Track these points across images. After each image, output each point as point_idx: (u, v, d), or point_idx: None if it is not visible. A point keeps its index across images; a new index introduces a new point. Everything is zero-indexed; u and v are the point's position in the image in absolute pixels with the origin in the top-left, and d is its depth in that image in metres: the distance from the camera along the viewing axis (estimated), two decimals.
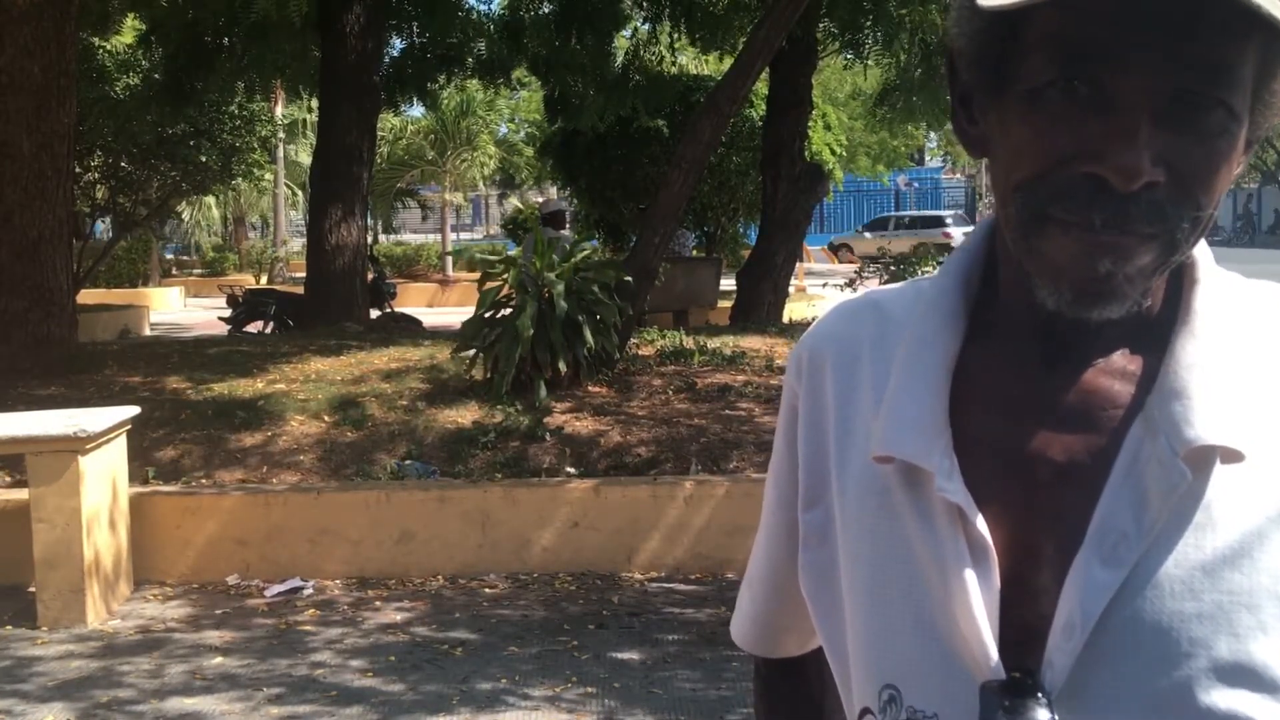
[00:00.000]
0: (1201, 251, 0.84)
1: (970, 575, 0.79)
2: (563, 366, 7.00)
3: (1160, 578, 0.76)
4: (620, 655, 4.79)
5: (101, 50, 13.15)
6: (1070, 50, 0.74)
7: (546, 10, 12.44)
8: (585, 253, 7.90)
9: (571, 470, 6.33)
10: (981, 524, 0.79)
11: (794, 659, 1.10)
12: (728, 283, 13.92)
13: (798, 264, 14.66)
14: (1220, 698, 0.75)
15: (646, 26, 12.87)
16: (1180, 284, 0.84)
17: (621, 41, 13.85)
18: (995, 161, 0.82)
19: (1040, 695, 0.77)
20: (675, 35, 12.72)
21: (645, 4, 12.11)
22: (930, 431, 0.82)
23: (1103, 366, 0.82)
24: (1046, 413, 0.82)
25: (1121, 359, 0.82)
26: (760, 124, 12.74)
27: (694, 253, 16.09)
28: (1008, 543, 0.80)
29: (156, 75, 12.53)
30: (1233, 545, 0.76)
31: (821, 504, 0.93)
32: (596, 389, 7.40)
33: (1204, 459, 0.76)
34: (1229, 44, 0.72)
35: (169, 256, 28.72)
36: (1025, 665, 0.78)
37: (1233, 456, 0.76)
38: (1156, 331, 0.82)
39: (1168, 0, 0.70)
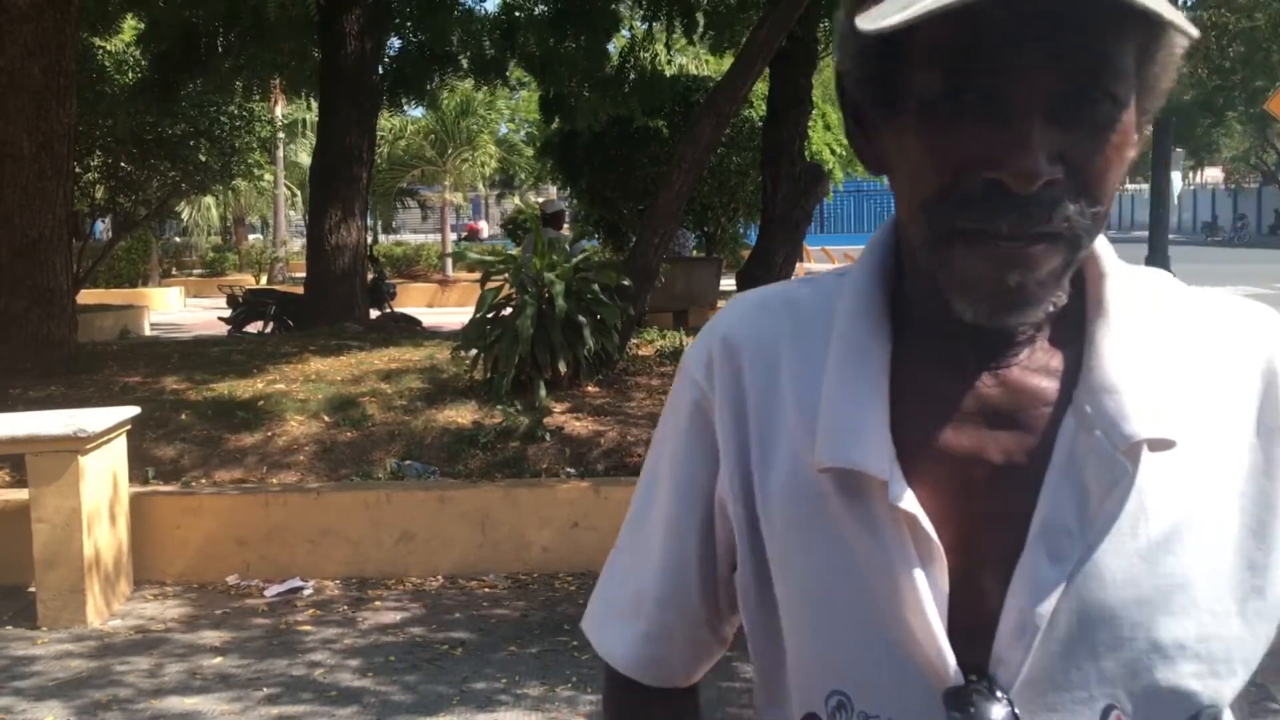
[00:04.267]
0: (1103, 245, 0.85)
1: (921, 580, 0.80)
2: (562, 367, 7.01)
3: (1102, 569, 0.78)
4: None
5: (101, 50, 13.16)
6: (955, 62, 0.74)
7: (542, 10, 12.44)
8: (585, 253, 7.90)
9: (571, 470, 6.34)
10: (931, 529, 0.80)
11: (683, 689, 1.02)
12: (728, 283, 13.91)
13: (798, 264, 14.66)
14: (1163, 675, 0.79)
15: (644, 26, 12.86)
16: (1085, 276, 0.85)
17: (620, 40, 13.85)
18: (896, 178, 0.82)
19: (999, 695, 0.79)
20: (672, 35, 12.71)
21: (643, 4, 12.10)
22: (876, 439, 0.82)
23: (1027, 363, 0.83)
24: (978, 414, 0.83)
25: (1044, 355, 0.83)
26: (760, 124, 12.73)
27: (694, 253, 16.09)
28: (951, 545, 0.81)
29: (152, 75, 12.53)
30: (1165, 530, 0.79)
31: (745, 507, 0.91)
32: (596, 389, 7.41)
33: (1137, 451, 0.78)
34: (1108, 37, 0.73)
35: (169, 257, 28.68)
36: (973, 664, 0.80)
37: (1162, 445, 0.78)
38: (1071, 323, 0.83)
39: (1042, 2, 0.70)
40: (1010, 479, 0.81)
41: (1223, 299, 0.88)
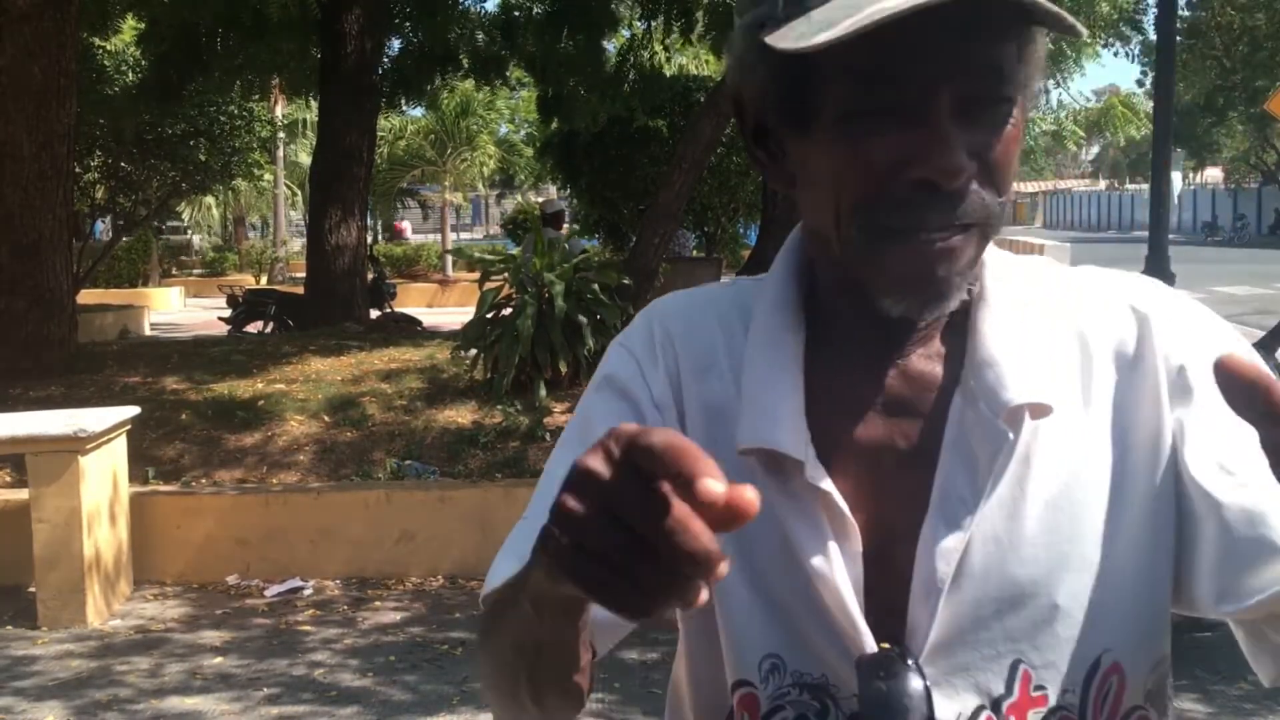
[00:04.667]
0: None
1: (835, 553, 0.85)
2: (563, 367, 7.01)
3: (997, 531, 0.85)
4: (617, 655, 4.79)
5: (101, 50, 13.16)
6: (872, 75, 0.80)
7: (541, 10, 12.45)
8: (585, 253, 7.90)
9: None
10: (844, 505, 0.86)
11: None
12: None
13: None
14: (1062, 628, 0.86)
15: (643, 26, 12.85)
16: None
17: (620, 39, 13.85)
18: (813, 190, 0.86)
19: (909, 661, 0.85)
20: (670, 35, 12.71)
21: (642, 3, 12.10)
22: (792, 423, 0.87)
23: (923, 352, 0.90)
24: (883, 403, 0.89)
25: (937, 342, 0.91)
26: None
27: (694, 253, 16.10)
28: (866, 525, 0.87)
29: (152, 75, 12.54)
30: (1052, 490, 0.86)
31: None
32: None
33: (1017, 417, 0.85)
34: (1001, 45, 0.80)
35: (170, 256, 28.68)
36: (892, 633, 0.86)
37: (1041, 411, 0.85)
38: (961, 311, 0.90)
39: (951, 14, 0.75)
40: (914, 461, 0.88)
41: (1097, 274, 0.95)
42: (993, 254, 0.92)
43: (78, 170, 11.23)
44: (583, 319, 7.12)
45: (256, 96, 15.21)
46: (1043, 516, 0.85)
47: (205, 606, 5.45)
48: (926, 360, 0.90)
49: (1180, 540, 0.87)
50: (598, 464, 0.56)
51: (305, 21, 12.26)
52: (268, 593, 5.61)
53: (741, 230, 17.36)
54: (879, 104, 0.80)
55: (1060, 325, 0.90)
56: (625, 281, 7.53)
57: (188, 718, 4.23)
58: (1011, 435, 0.84)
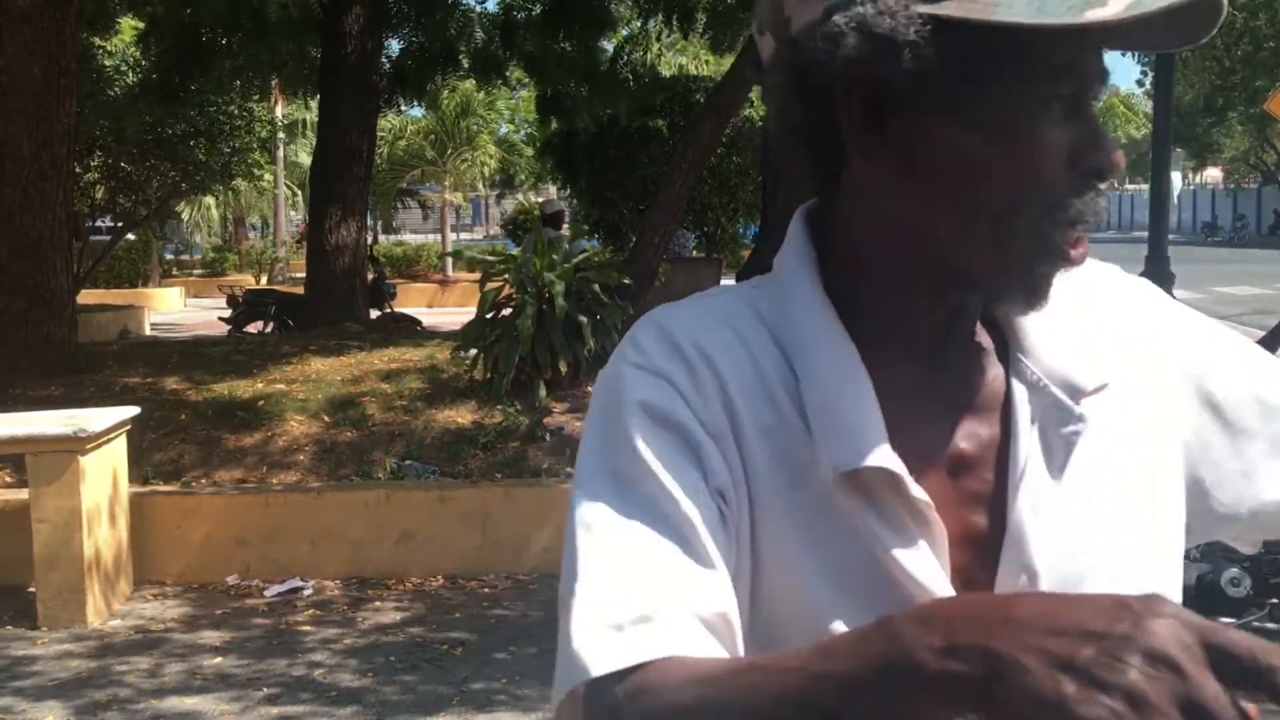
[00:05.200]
0: None
1: (937, 570, 0.83)
2: (563, 367, 7.01)
3: (1077, 515, 0.85)
4: None
5: (101, 50, 13.16)
6: (1067, 62, 0.79)
7: (540, 10, 12.46)
8: (585, 253, 7.90)
9: (571, 470, 6.33)
10: (937, 518, 0.83)
11: None
12: (728, 283, 13.94)
13: None
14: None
15: (641, 25, 12.86)
16: None
17: (617, 38, 13.87)
18: (967, 176, 0.80)
19: None
20: (669, 33, 12.72)
21: (640, 2, 12.11)
22: (882, 436, 0.83)
23: (970, 348, 0.89)
24: (944, 406, 0.88)
25: (978, 338, 0.90)
26: (760, 124, 12.75)
27: (694, 253, 16.10)
28: (950, 530, 0.84)
29: (154, 75, 12.55)
30: (1107, 469, 0.87)
31: (746, 501, 0.85)
32: None
33: (1081, 399, 0.86)
34: None
35: (169, 257, 28.70)
36: None
37: (1097, 390, 0.87)
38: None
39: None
40: (985, 461, 0.86)
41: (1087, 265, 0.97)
42: None
43: (78, 170, 11.23)
44: (583, 319, 7.12)
45: (256, 96, 15.22)
46: (1106, 496, 0.86)
47: (205, 606, 5.45)
48: (971, 354, 0.89)
49: (1220, 479, 0.92)
50: (1179, 653, 0.55)
51: (305, 21, 12.27)
52: (268, 593, 5.61)
53: (741, 230, 17.37)
54: (1057, 94, 0.80)
55: (1074, 312, 0.91)
56: (625, 281, 7.53)
57: (187, 718, 4.23)
58: (1087, 418, 0.86)
